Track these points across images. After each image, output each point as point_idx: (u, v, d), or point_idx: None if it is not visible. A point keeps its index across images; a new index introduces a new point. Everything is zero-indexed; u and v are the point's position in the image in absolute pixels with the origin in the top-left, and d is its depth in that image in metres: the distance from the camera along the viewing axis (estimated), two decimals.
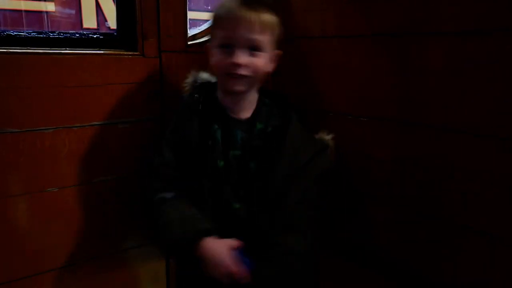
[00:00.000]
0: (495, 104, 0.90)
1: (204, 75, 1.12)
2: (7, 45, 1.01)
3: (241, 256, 0.91)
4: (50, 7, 4.07)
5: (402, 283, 1.14)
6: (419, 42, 1.03)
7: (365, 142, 1.19)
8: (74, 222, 1.14)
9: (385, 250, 1.18)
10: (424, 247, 1.08)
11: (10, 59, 0.99)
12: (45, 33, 1.10)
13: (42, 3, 4.02)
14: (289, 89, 1.43)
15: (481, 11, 0.91)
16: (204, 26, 1.32)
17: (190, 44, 1.26)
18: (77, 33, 1.16)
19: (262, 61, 0.99)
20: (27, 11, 3.92)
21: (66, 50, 1.07)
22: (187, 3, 1.25)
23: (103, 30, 4.23)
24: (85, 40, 1.15)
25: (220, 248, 0.91)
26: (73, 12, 4.22)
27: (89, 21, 4.24)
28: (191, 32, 1.30)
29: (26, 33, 1.07)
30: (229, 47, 0.96)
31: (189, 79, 1.11)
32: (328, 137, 1.12)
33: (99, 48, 1.13)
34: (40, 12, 4.03)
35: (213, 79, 1.11)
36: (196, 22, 1.61)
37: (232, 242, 0.93)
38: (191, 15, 1.30)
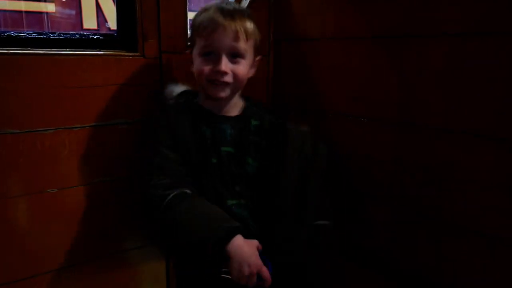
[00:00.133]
0: (495, 105, 0.90)
1: (180, 86, 1.15)
2: (7, 46, 1.01)
3: (264, 257, 0.90)
4: (50, 7, 4.08)
5: (402, 283, 1.14)
6: (419, 43, 1.03)
7: (365, 142, 1.19)
8: (74, 223, 1.14)
9: (385, 250, 1.18)
10: (424, 247, 1.08)
11: (10, 60, 0.99)
12: (45, 34, 1.10)
13: (43, 4, 4.03)
14: (289, 90, 1.43)
15: (482, 12, 0.91)
16: None
17: (189, 44, 1.26)
18: (77, 34, 1.16)
19: (244, 68, 1.02)
20: (27, 12, 3.92)
21: (66, 51, 1.07)
22: (187, 3, 1.25)
23: (103, 31, 4.24)
24: (85, 40, 1.15)
25: (250, 248, 0.89)
26: (73, 12, 4.23)
27: (89, 22, 4.25)
28: (190, 31, 1.30)
29: (27, 33, 1.07)
30: (211, 55, 0.99)
31: (168, 88, 1.14)
32: (306, 128, 1.14)
33: (99, 49, 1.13)
34: (40, 13, 4.04)
35: (189, 88, 1.14)
36: None
37: (257, 243, 0.92)
38: (191, 15, 1.30)
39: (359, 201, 1.23)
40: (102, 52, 1.12)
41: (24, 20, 3.90)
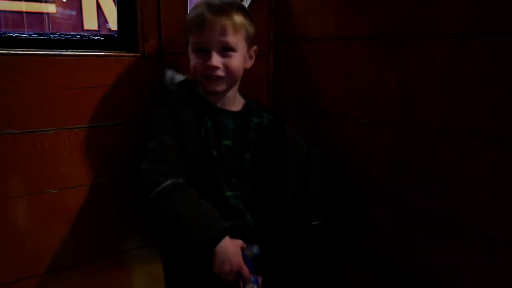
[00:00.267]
0: (495, 105, 0.91)
1: (179, 75, 1.16)
2: (8, 47, 1.01)
3: (246, 257, 0.95)
4: (51, 8, 4.08)
5: (402, 283, 1.14)
6: (419, 43, 1.03)
7: (365, 142, 1.19)
8: (74, 223, 1.14)
9: (385, 250, 1.18)
10: (424, 247, 1.08)
11: (11, 60, 0.99)
12: (46, 34, 1.11)
13: (43, 4, 4.03)
14: (289, 90, 1.43)
15: (482, 12, 0.91)
16: None
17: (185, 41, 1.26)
18: (78, 35, 1.17)
19: (236, 61, 1.02)
20: (28, 13, 3.92)
21: (67, 51, 1.07)
22: (188, 4, 1.25)
23: (104, 32, 4.24)
24: (86, 41, 1.15)
25: (235, 248, 0.93)
26: (74, 13, 4.23)
27: (90, 23, 4.25)
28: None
29: (27, 34, 1.08)
30: (203, 51, 1.01)
31: (168, 76, 1.15)
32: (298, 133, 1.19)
33: (100, 50, 1.13)
34: (41, 13, 4.04)
35: (188, 77, 1.15)
36: None
37: (241, 243, 0.95)
38: None
39: (359, 201, 1.23)
40: (103, 53, 1.13)
41: (24, 20, 3.90)
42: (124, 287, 1.26)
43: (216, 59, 1.00)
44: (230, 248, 0.92)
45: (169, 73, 1.16)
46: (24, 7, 3.88)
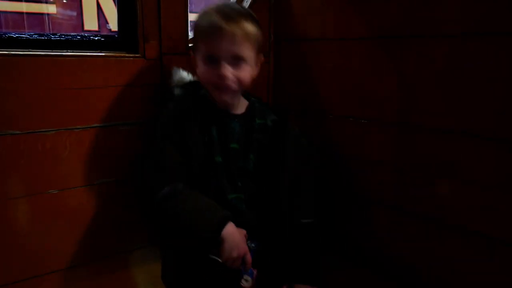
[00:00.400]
0: (495, 105, 0.91)
1: (186, 74, 1.15)
2: (9, 47, 1.01)
3: (248, 245, 0.99)
4: (52, 9, 4.09)
5: (402, 283, 1.14)
6: (419, 43, 1.03)
7: (365, 143, 1.19)
8: (74, 224, 1.14)
9: (385, 250, 1.18)
10: (424, 247, 1.08)
11: (11, 61, 0.99)
12: (47, 35, 1.11)
13: (44, 5, 4.04)
14: (289, 90, 1.43)
15: (482, 12, 0.91)
16: None
17: (191, 46, 1.26)
18: (78, 35, 1.17)
19: (247, 72, 1.02)
20: (28, 13, 3.93)
21: (67, 52, 1.07)
22: (188, 5, 1.25)
23: (104, 32, 4.25)
24: (86, 42, 1.15)
25: (239, 234, 0.95)
26: (74, 14, 4.23)
27: (90, 23, 4.26)
28: (192, 34, 1.30)
29: (28, 35, 1.08)
30: (214, 60, 0.99)
31: (174, 77, 1.14)
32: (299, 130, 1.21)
33: (100, 50, 1.13)
34: (42, 14, 4.05)
35: (194, 78, 1.15)
36: None
37: (245, 232, 0.98)
38: (192, 17, 1.30)
39: (359, 201, 1.23)
40: (103, 54, 1.13)
41: (25, 21, 3.91)
42: None
43: (228, 70, 0.98)
44: (237, 234, 0.94)
45: (178, 73, 1.15)
46: (24, 7, 3.89)
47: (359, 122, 1.20)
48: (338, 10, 1.22)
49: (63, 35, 1.13)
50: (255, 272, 0.98)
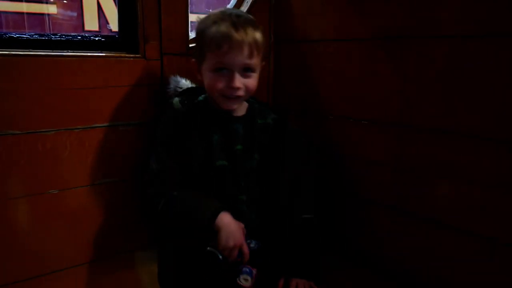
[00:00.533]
0: (495, 105, 0.91)
1: (184, 81, 1.15)
2: (9, 47, 1.01)
3: (247, 240, 1.00)
4: (52, 9, 4.09)
5: (402, 283, 1.14)
6: (419, 44, 1.03)
7: (366, 143, 1.19)
8: (75, 225, 1.14)
9: (385, 251, 1.18)
10: (424, 247, 1.08)
11: (11, 61, 0.99)
12: (47, 35, 1.11)
13: (44, 5, 4.04)
14: (289, 91, 1.43)
15: (482, 12, 0.91)
16: None
17: (192, 46, 1.26)
18: (79, 36, 1.17)
19: (255, 81, 1.03)
20: (29, 14, 3.93)
21: (67, 52, 1.07)
22: (189, 6, 1.26)
23: (105, 33, 4.25)
24: (86, 42, 1.15)
25: (235, 223, 0.98)
26: (75, 14, 4.23)
27: (91, 24, 4.26)
28: (192, 34, 1.30)
29: (28, 35, 1.08)
30: (223, 70, 0.99)
31: (171, 85, 1.15)
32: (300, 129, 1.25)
33: (101, 51, 1.14)
34: (42, 14, 4.05)
35: (192, 84, 1.16)
36: None
37: (243, 226, 1.00)
38: (192, 18, 1.30)
39: (359, 201, 1.23)
40: (104, 54, 1.13)
41: (25, 21, 3.91)
42: None
43: (239, 81, 0.99)
44: (233, 224, 0.96)
45: (173, 81, 1.15)
46: (25, 8, 3.89)
47: (359, 123, 1.20)
48: (338, 11, 1.22)
49: (64, 35, 1.13)
50: (254, 271, 0.98)
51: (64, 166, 1.09)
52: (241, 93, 1.01)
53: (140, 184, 1.17)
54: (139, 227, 1.25)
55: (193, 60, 1.07)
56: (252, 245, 1.03)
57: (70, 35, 1.14)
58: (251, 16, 1.06)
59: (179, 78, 1.16)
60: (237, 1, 1.38)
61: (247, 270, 0.98)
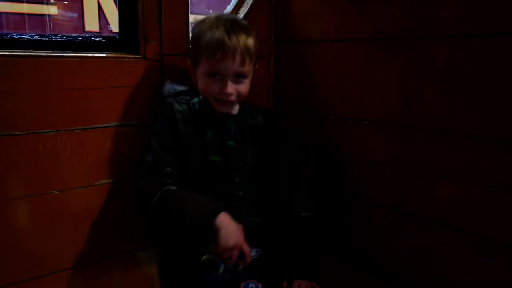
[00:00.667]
0: (495, 106, 0.91)
1: (177, 86, 1.16)
2: (10, 48, 1.01)
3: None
4: (53, 10, 4.09)
5: (402, 284, 1.14)
6: (419, 44, 1.03)
7: (366, 144, 1.19)
8: (75, 225, 1.14)
9: (385, 251, 1.18)
10: (424, 247, 1.08)
11: (12, 62, 0.99)
12: (48, 36, 1.11)
13: (45, 6, 4.04)
14: (289, 91, 1.43)
15: (482, 12, 0.91)
16: None
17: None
18: (79, 36, 1.17)
19: (247, 85, 1.08)
20: (29, 14, 3.93)
21: (68, 53, 1.08)
22: (189, 6, 1.26)
23: (105, 34, 4.25)
24: (87, 43, 1.15)
25: (237, 226, 0.97)
26: (75, 15, 4.24)
27: (91, 25, 4.26)
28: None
29: (29, 36, 1.08)
30: (216, 76, 1.03)
31: (166, 86, 1.16)
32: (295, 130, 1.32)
33: (101, 51, 1.14)
34: (43, 15, 4.05)
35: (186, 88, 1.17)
36: None
37: (241, 227, 0.99)
38: (192, 18, 1.30)
39: (359, 202, 1.23)
40: (104, 55, 1.13)
41: (26, 22, 3.91)
42: None
43: (231, 87, 1.04)
44: (232, 224, 0.96)
45: (168, 85, 1.16)
46: (25, 9, 3.89)
47: (359, 123, 1.20)
48: (338, 11, 1.22)
49: (64, 36, 1.13)
50: (260, 286, 0.98)
51: (64, 166, 1.09)
52: (233, 98, 1.06)
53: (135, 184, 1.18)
54: (140, 228, 1.25)
55: (188, 62, 1.11)
56: (252, 254, 1.01)
57: (71, 36, 1.15)
58: (245, 22, 1.10)
59: (173, 83, 1.17)
60: (237, 2, 1.38)
61: (253, 286, 0.98)
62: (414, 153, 1.07)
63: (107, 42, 1.18)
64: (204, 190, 1.04)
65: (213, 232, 0.93)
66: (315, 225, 1.13)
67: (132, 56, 1.17)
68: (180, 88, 1.16)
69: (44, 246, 1.10)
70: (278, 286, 1.06)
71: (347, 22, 1.20)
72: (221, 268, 0.93)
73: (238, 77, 1.05)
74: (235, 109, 1.15)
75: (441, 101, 1.00)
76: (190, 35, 1.12)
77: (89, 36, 1.19)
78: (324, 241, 1.26)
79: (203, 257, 0.95)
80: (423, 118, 1.04)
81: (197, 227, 0.97)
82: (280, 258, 1.10)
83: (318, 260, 1.11)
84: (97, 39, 1.18)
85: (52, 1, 4.07)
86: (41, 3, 4.02)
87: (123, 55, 1.16)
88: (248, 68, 1.05)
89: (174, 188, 1.01)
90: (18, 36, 1.07)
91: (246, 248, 0.95)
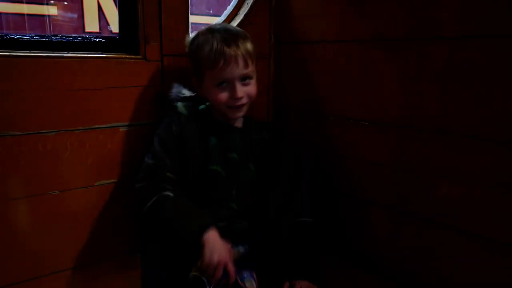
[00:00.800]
0: (495, 106, 0.91)
1: (186, 90, 1.17)
2: (10, 48, 1.01)
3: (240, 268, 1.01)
4: (53, 11, 4.09)
5: (402, 284, 1.14)
6: (419, 45, 1.03)
7: (366, 144, 1.19)
8: (75, 226, 1.14)
9: (385, 251, 1.18)
10: (424, 247, 1.08)
11: (12, 62, 0.99)
12: (48, 36, 1.11)
13: (45, 7, 4.05)
14: (290, 92, 1.43)
15: (482, 13, 0.91)
16: None
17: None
18: (79, 37, 1.17)
19: (254, 87, 1.11)
20: (29, 15, 3.94)
21: (68, 53, 1.08)
22: (189, 7, 1.26)
23: (105, 34, 4.25)
24: (87, 43, 1.15)
25: (221, 241, 0.97)
26: (75, 16, 4.24)
27: (91, 25, 4.26)
28: (193, 35, 1.30)
29: (29, 36, 1.08)
30: (224, 84, 1.06)
31: (174, 90, 1.17)
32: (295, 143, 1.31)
33: (101, 52, 1.14)
34: (43, 16, 4.06)
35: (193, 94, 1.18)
36: (197, 26, 1.61)
37: (229, 246, 1.00)
38: (192, 19, 1.31)
39: (359, 202, 1.23)
40: (104, 55, 1.13)
41: (26, 23, 3.91)
42: None
43: (240, 90, 1.06)
44: (220, 241, 0.96)
45: (176, 88, 1.17)
46: (26, 9, 3.89)
47: (359, 123, 1.20)
48: (338, 12, 1.22)
49: (64, 36, 1.13)
50: (254, 274, 0.98)
51: (64, 167, 1.09)
52: (244, 101, 1.08)
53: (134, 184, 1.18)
54: (139, 228, 1.24)
55: (193, 79, 1.13)
56: (241, 250, 1.03)
57: (71, 36, 1.15)
58: (238, 28, 1.14)
59: (182, 87, 1.18)
60: (237, 3, 1.38)
61: (248, 274, 0.98)
62: (414, 153, 1.07)
63: (107, 43, 1.18)
64: (199, 198, 1.06)
65: (200, 246, 0.94)
66: (314, 230, 1.15)
67: (132, 56, 1.17)
68: (188, 93, 1.16)
69: (44, 246, 1.10)
70: (278, 286, 1.06)
71: (347, 23, 1.20)
72: (207, 287, 0.93)
73: (244, 79, 1.07)
74: (240, 122, 1.16)
75: (441, 101, 1.00)
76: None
77: (89, 37, 1.19)
78: (324, 242, 1.26)
79: (190, 274, 0.95)
80: (423, 118, 1.04)
81: (184, 240, 0.99)
82: (280, 259, 1.10)
83: (318, 261, 1.12)
84: (97, 40, 1.18)
85: (52, 1, 4.08)
86: (41, 3, 4.03)
87: (123, 56, 1.16)
88: (251, 69, 1.08)
89: (170, 194, 1.02)
90: (18, 36, 1.07)
91: (230, 266, 0.95)
